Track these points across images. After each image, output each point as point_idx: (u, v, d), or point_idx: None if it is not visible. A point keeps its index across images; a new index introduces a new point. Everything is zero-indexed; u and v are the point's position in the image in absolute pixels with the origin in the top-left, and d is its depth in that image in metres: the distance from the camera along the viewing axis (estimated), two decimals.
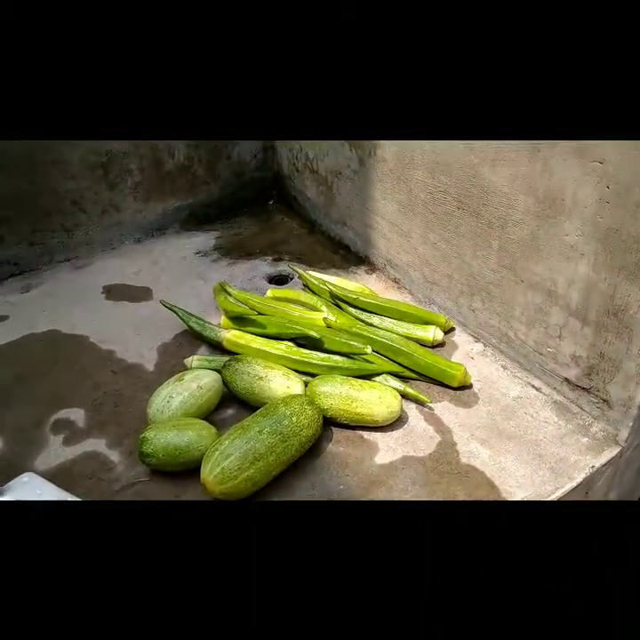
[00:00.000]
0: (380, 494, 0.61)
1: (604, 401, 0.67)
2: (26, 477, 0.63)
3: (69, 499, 0.61)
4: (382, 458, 0.66)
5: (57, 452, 0.67)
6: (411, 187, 0.84)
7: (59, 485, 0.62)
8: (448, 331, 0.84)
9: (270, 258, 1.06)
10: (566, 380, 0.71)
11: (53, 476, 0.63)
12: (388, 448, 0.67)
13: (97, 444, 0.67)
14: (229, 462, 0.57)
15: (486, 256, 0.75)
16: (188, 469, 0.62)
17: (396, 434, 0.69)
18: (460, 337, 0.84)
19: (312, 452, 0.66)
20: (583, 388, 0.69)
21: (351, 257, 1.05)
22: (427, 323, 0.82)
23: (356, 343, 0.74)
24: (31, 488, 0.62)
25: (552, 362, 0.72)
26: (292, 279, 1.00)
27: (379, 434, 0.69)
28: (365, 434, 0.69)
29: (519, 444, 0.67)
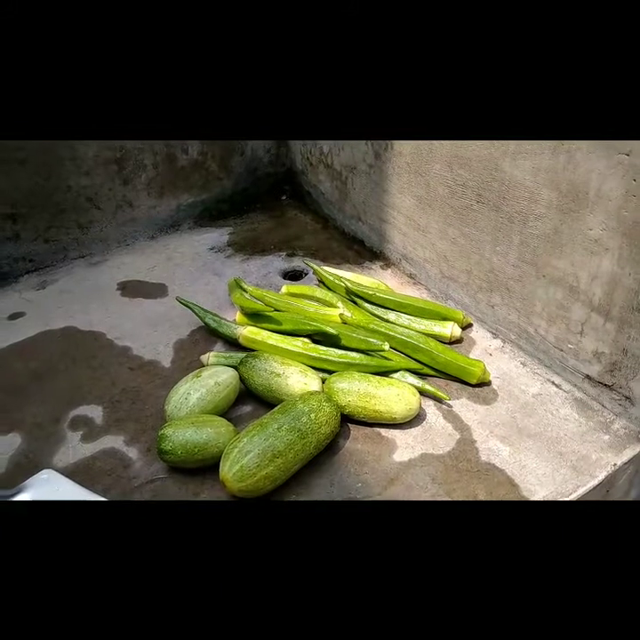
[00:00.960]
0: (399, 492, 0.61)
1: (627, 398, 0.66)
2: (45, 474, 0.63)
3: (89, 496, 0.61)
4: (401, 455, 0.65)
5: (75, 448, 0.67)
6: (428, 180, 0.83)
7: (78, 482, 0.62)
8: (465, 327, 0.83)
9: (284, 253, 1.06)
10: (588, 376, 0.70)
11: (72, 473, 0.63)
12: (406, 445, 0.66)
13: (115, 441, 0.67)
14: (248, 460, 0.57)
15: (506, 251, 0.74)
16: (206, 466, 0.62)
17: (414, 431, 0.68)
18: (477, 333, 0.83)
19: (330, 449, 0.65)
20: (605, 385, 0.68)
21: (366, 252, 1.04)
22: (444, 319, 0.81)
23: (373, 340, 0.74)
24: (50, 485, 0.62)
25: (573, 358, 0.71)
26: (306, 275, 1.00)
27: (397, 431, 0.68)
28: (383, 431, 0.68)
29: (539, 441, 0.66)
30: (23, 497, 0.61)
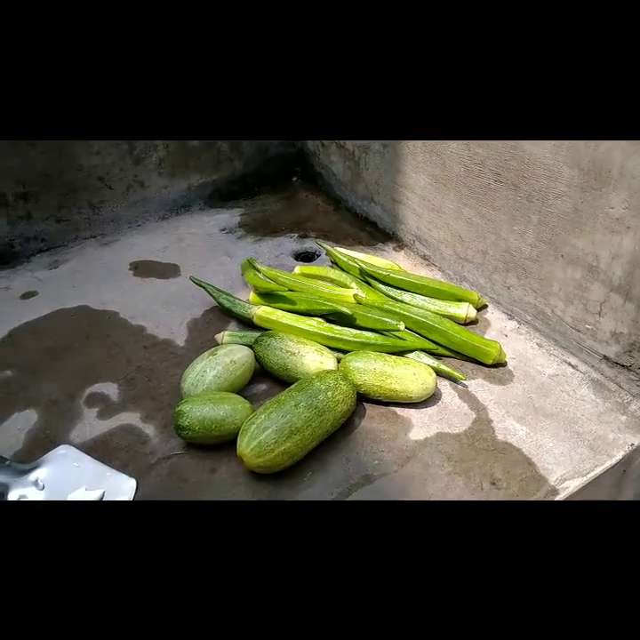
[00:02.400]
0: (416, 470, 0.61)
1: None
2: (62, 450, 0.64)
3: (106, 471, 0.61)
4: (417, 434, 0.65)
5: (92, 425, 0.67)
6: (444, 160, 0.82)
7: (95, 458, 0.63)
8: (480, 308, 0.83)
9: (296, 235, 1.05)
10: (605, 357, 0.69)
11: (89, 449, 0.64)
12: (422, 424, 0.66)
13: (131, 418, 0.68)
14: (266, 436, 0.57)
15: (524, 231, 0.73)
16: (223, 442, 0.62)
17: (429, 410, 0.68)
18: (492, 314, 0.82)
19: (346, 427, 0.65)
20: (623, 366, 0.68)
21: (378, 234, 1.03)
22: (459, 300, 0.81)
23: (389, 319, 0.73)
24: (68, 460, 0.63)
25: (590, 339, 0.70)
26: (318, 256, 0.99)
27: (412, 410, 0.68)
28: (399, 410, 0.68)
29: (556, 421, 0.66)
30: (41, 471, 0.61)
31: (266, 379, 0.72)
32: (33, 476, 0.60)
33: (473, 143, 0.76)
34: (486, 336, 0.78)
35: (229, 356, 0.67)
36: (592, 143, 0.61)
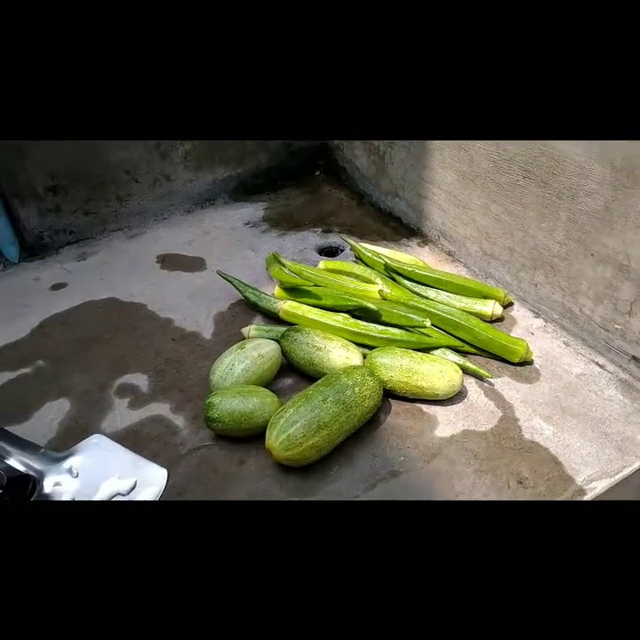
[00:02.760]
0: (442, 467, 0.61)
1: None
2: (95, 439, 0.65)
3: (138, 461, 0.63)
4: (442, 431, 0.66)
5: (123, 415, 0.69)
6: (472, 155, 0.81)
7: (127, 447, 0.64)
8: (506, 306, 0.82)
9: (319, 229, 1.05)
10: (634, 357, 0.69)
11: (121, 438, 0.65)
12: (448, 422, 0.67)
13: (161, 409, 0.69)
14: (295, 429, 0.58)
15: (553, 228, 0.73)
16: (252, 435, 0.63)
17: (455, 408, 0.68)
18: (518, 312, 0.82)
19: (371, 423, 0.66)
20: None
21: (402, 229, 1.03)
22: (485, 297, 0.80)
23: (415, 316, 0.74)
24: (101, 449, 0.64)
25: (619, 339, 0.70)
26: (342, 251, 0.99)
27: (438, 407, 0.68)
28: (424, 407, 0.69)
29: (583, 421, 0.66)
30: (75, 459, 0.63)
31: (292, 373, 0.73)
32: (67, 463, 0.62)
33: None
34: (512, 334, 0.78)
35: (257, 350, 0.68)
36: (627, 141, 0.60)
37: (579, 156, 0.66)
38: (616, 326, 0.70)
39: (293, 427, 0.58)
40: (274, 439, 0.58)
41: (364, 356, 0.71)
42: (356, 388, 0.62)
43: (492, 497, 0.58)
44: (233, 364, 0.67)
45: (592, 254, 0.69)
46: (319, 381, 0.64)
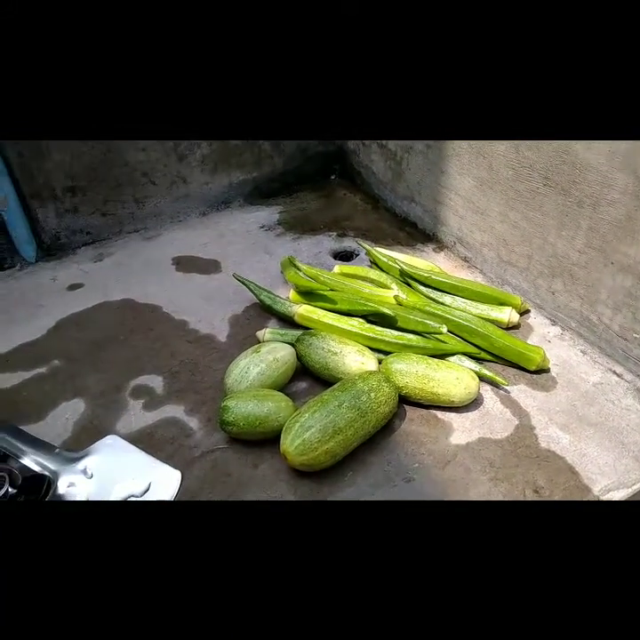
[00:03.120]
0: (457, 474, 0.61)
1: None
2: (110, 440, 0.66)
3: (152, 463, 0.63)
4: (458, 438, 0.65)
5: (137, 416, 0.69)
6: (491, 162, 0.81)
7: (141, 449, 0.64)
8: (523, 313, 0.82)
9: (334, 233, 1.05)
10: None
11: (135, 440, 0.65)
12: (463, 429, 0.66)
13: (176, 411, 0.69)
14: (310, 434, 0.58)
15: (573, 236, 0.72)
16: (266, 439, 0.63)
17: (471, 415, 0.68)
18: (535, 319, 0.81)
19: (386, 429, 0.66)
20: None
21: (418, 234, 1.03)
22: (501, 304, 0.80)
23: (431, 322, 0.73)
24: (115, 450, 0.65)
25: (638, 348, 0.69)
26: (357, 255, 0.99)
27: (453, 414, 0.68)
28: (439, 413, 0.68)
29: (600, 430, 0.65)
30: (89, 460, 0.63)
31: (306, 377, 0.73)
32: (81, 464, 0.62)
33: (522, 146, 0.75)
34: (529, 341, 0.77)
35: (272, 354, 0.68)
36: None
37: (601, 165, 0.65)
38: (634, 335, 0.69)
39: (308, 431, 0.58)
40: (289, 443, 0.58)
41: (380, 362, 0.71)
42: (372, 394, 0.62)
43: None
44: (248, 368, 0.67)
45: (612, 263, 0.68)
46: (335, 386, 0.64)
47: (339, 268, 0.91)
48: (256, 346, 0.70)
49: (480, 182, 0.84)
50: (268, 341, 0.74)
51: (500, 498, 0.58)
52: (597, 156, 0.65)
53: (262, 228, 1.08)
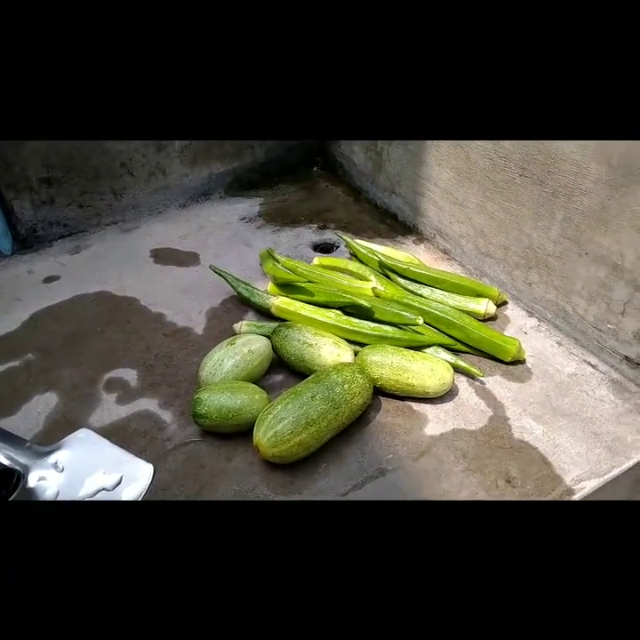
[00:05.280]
0: (430, 465, 0.61)
1: None
2: (82, 433, 0.65)
3: (124, 456, 0.62)
4: (432, 429, 0.65)
5: (111, 410, 0.68)
6: (469, 152, 0.81)
7: (113, 442, 0.64)
8: (500, 304, 0.82)
9: (315, 225, 1.05)
10: (626, 357, 0.68)
11: (108, 433, 0.65)
12: (437, 420, 0.66)
13: (149, 404, 0.69)
14: (282, 426, 0.57)
15: (548, 227, 0.72)
16: (240, 431, 0.63)
17: (446, 406, 0.68)
18: (512, 311, 0.81)
19: (361, 420, 0.66)
20: None
21: (398, 226, 1.03)
22: (479, 295, 0.80)
23: (407, 314, 0.73)
24: (87, 444, 0.64)
25: (612, 339, 0.69)
26: (337, 248, 0.99)
27: (428, 405, 0.68)
28: (414, 405, 0.68)
29: (574, 421, 0.65)
30: (61, 454, 0.62)
31: (282, 369, 0.72)
32: (52, 458, 0.61)
33: None
34: (505, 333, 0.77)
35: (247, 346, 0.68)
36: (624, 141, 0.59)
37: (575, 155, 0.65)
38: (609, 326, 0.69)
39: (281, 423, 0.58)
40: (261, 435, 0.58)
41: (356, 354, 0.70)
42: (346, 386, 0.62)
43: (480, 496, 0.57)
44: (222, 360, 0.66)
45: (586, 253, 0.68)
46: (309, 378, 0.63)
47: (318, 259, 0.90)
48: (231, 338, 0.70)
49: (458, 173, 0.84)
50: (243, 334, 0.74)
51: (471, 488, 0.58)
52: (571, 146, 0.65)
53: (242, 219, 1.07)
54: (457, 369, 0.71)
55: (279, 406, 0.59)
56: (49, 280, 0.92)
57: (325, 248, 1.00)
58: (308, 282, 0.82)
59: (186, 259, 0.96)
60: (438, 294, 0.81)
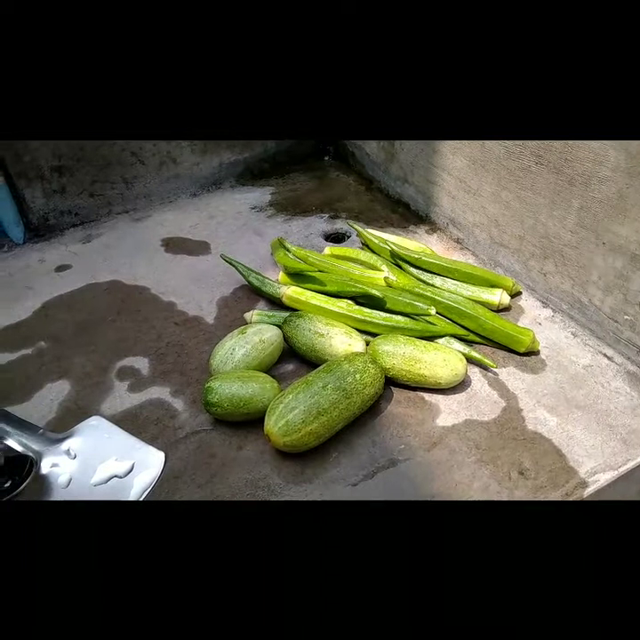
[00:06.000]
0: (442, 456, 0.60)
1: None
2: (94, 421, 0.65)
3: (136, 444, 0.62)
4: (444, 420, 0.65)
5: (123, 397, 0.68)
6: (483, 141, 0.79)
7: (125, 430, 0.64)
8: (514, 295, 0.81)
9: (326, 215, 1.04)
10: None
11: (120, 421, 0.65)
12: (450, 411, 0.66)
13: (161, 392, 0.69)
14: (294, 415, 0.57)
15: (564, 216, 0.71)
16: (250, 420, 0.63)
17: (458, 397, 0.67)
18: (527, 302, 0.80)
19: (372, 410, 0.65)
20: None
21: (411, 216, 1.01)
22: (492, 285, 0.79)
23: (419, 303, 0.72)
24: (99, 431, 0.64)
25: (629, 330, 0.68)
26: (348, 237, 0.98)
27: (440, 396, 0.67)
28: (426, 395, 0.68)
29: (588, 413, 0.64)
30: (73, 441, 0.63)
31: (293, 359, 0.72)
32: (65, 445, 0.62)
33: None
34: (520, 323, 0.76)
35: (258, 335, 0.68)
36: None
37: (592, 142, 0.64)
38: (625, 317, 0.68)
39: (292, 412, 0.57)
40: (272, 424, 0.58)
41: (367, 344, 0.70)
42: (357, 376, 0.61)
43: (493, 488, 0.57)
44: (233, 349, 0.66)
45: (604, 243, 0.67)
46: (320, 368, 0.63)
47: (329, 249, 0.90)
48: (242, 327, 0.70)
49: (472, 161, 0.83)
50: (254, 323, 0.73)
51: (484, 480, 0.58)
52: None
53: (253, 209, 1.06)
54: (470, 360, 0.70)
55: (290, 395, 0.59)
56: (61, 269, 0.92)
57: (337, 238, 0.99)
58: (320, 271, 0.81)
59: (197, 248, 0.95)
60: (451, 284, 0.80)
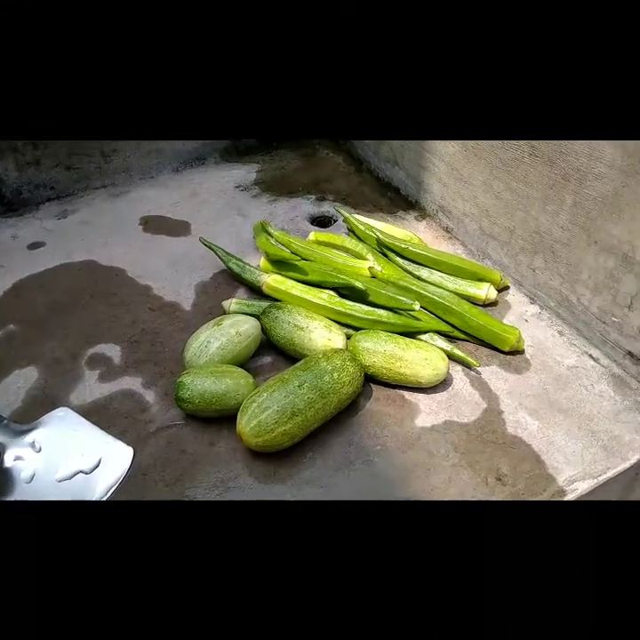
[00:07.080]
0: (419, 458, 0.59)
1: None
2: (61, 412, 0.63)
3: (103, 438, 0.60)
4: (423, 421, 0.63)
5: (92, 387, 0.66)
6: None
7: (93, 422, 0.62)
8: (502, 289, 0.78)
9: (313, 196, 1.00)
10: (630, 353, 0.66)
11: (88, 412, 0.63)
12: (429, 411, 0.64)
13: (133, 383, 0.66)
14: (267, 416, 0.55)
15: (557, 211, 0.68)
16: (224, 416, 0.61)
17: (439, 396, 0.65)
18: (514, 297, 0.78)
19: (350, 408, 0.63)
20: None
21: (400, 201, 0.98)
22: (480, 279, 0.76)
23: (403, 298, 0.70)
24: (66, 423, 0.62)
25: (616, 332, 0.66)
26: (335, 222, 0.95)
27: (421, 395, 0.66)
28: (406, 394, 0.66)
29: (571, 417, 0.63)
30: (38, 433, 0.61)
31: (271, 351, 0.70)
32: (30, 437, 0.60)
33: None
34: (506, 319, 0.74)
35: (235, 328, 0.65)
36: None
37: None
38: (614, 319, 0.66)
39: (265, 413, 0.55)
40: (245, 424, 0.56)
41: (348, 337, 0.68)
42: (335, 374, 0.59)
43: (469, 494, 0.56)
44: (208, 342, 0.64)
45: (596, 242, 0.65)
46: (297, 364, 0.61)
47: (314, 235, 0.86)
48: (218, 318, 0.67)
49: (465, 148, 0.79)
50: (232, 313, 0.71)
51: (460, 485, 0.57)
52: None
53: (238, 187, 1.02)
54: (452, 357, 0.68)
55: (264, 394, 0.57)
56: (34, 246, 0.88)
57: (323, 222, 0.96)
58: (303, 259, 0.78)
59: (177, 228, 0.92)
60: (437, 276, 0.77)
